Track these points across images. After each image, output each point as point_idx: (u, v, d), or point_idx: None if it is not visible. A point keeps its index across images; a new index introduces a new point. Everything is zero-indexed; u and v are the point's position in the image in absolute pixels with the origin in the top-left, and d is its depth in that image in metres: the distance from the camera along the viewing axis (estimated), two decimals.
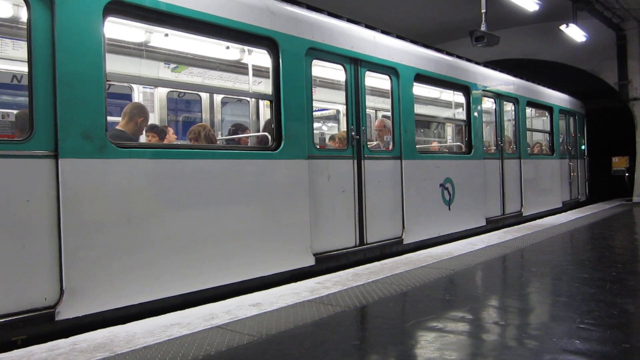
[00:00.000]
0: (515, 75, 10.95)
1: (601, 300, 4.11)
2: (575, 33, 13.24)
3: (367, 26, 6.90)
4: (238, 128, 6.93)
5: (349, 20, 6.62)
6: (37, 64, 3.70)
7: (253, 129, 7.44)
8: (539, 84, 12.18)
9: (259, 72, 6.83)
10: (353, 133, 6.41)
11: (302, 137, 5.65)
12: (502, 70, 10.51)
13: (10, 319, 3.47)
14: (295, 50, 5.62)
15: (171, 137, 5.73)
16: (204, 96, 8.02)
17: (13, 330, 3.53)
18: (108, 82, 4.14)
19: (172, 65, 6.99)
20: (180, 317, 3.85)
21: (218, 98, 8.03)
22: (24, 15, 3.69)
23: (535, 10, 11.11)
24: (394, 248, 7.01)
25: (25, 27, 3.71)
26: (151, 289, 4.22)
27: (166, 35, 5.79)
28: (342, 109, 9.22)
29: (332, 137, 7.63)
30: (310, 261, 5.67)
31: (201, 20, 4.73)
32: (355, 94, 6.48)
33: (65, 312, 3.70)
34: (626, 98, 15.12)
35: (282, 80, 5.46)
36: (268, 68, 5.53)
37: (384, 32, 7.16)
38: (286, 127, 5.45)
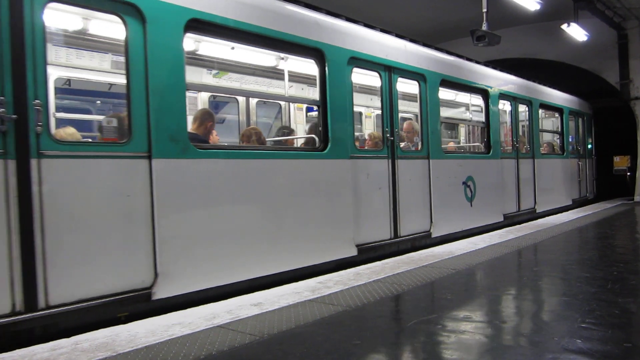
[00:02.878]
0: (528, 79, 11.39)
1: (603, 299, 4.11)
2: (576, 32, 13.22)
3: (397, 35, 7.42)
4: (285, 130, 7.53)
5: (382, 30, 7.13)
6: (134, 76, 4.22)
7: (279, 129, 8.05)
8: (550, 86, 12.61)
9: (294, 77, 7.64)
10: (388, 135, 6.91)
11: (346, 138, 6.19)
12: (516, 74, 10.69)
13: (117, 297, 4.02)
14: (339, 59, 6.15)
15: (214, 138, 5.93)
16: (241, 100, 8.41)
17: (119, 307, 4.09)
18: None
19: (214, 72, 7.45)
20: (182, 317, 3.86)
21: (253, 102, 8.48)
22: (122, 33, 4.24)
23: (536, 10, 11.09)
24: (423, 241, 7.52)
25: (124, 43, 4.22)
26: (225, 274, 4.79)
27: (231, 48, 6.26)
28: (364, 110, 9.96)
29: (357, 139, 8.07)
30: (353, 252, 6.21)
31: (260, 34, 5.29)
32: (389, 98, 7.01)
33: (159, 293, 4.26)
34: (627, 97, 15.09)
35: (328, 88, 5.99)
36: (301, 74, 6.33)
37: (412, 40, 7.67)
38: (332, 130, 5.98)
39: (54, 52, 5.19)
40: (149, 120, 4.26)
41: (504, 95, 10.07)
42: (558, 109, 13.18)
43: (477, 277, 5.33)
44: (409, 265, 5.69)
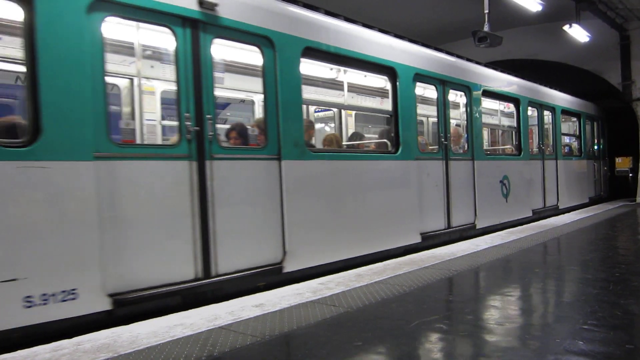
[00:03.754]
0: (553, 87, 12.52)
1: (604, 301, 4.10)
2: (578, 33, 13.21)
3: (448, 53, 8.64)
4: (357, 135, 8.87)
5: (436, 49, 8.28)
6: (269, 94, 5.33)
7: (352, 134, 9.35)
8: (570, 93, 13.67)
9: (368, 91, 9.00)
10: (443, 139, 8.02)
11: (412, 143, 7.30)
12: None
13: (258, 270, 5.10)
14: (407, 76, 7.26)
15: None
16: (311, 109, 9.51)
17: (259, 278, 5.13)
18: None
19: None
20: (184, 318, 3.87)
21: (312, 109, 9.45)
22: (259, 60, 5.38)
23: (538, 11, 11.10)
24: (469, 232, 8.57)
25: (261, 68, 5.34)
26: (326, 254, 5.88)
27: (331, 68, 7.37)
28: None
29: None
30: (418, 239, 7.33)
31: (351, 57, 6.47)
32: (443, 108, 8.10)
33: (287, 267, 5.36)
34: (629, 98, 15.06)
35: (399, 100, 7.08)
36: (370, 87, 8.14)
37: (459, 57, 8.86)
38: (402, 136, 7.06)
39: (218, 78, 6.03)
40: (279, 130, 5.35)
41: (532, 103, 11.18)
42: (576, 114, 14.20)
43: (479, 279, 5.33)
44: (411, 267, 5.69)
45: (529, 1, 10.56)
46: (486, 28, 9.43)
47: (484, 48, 9.44)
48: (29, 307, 3.59)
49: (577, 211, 12.53)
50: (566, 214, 11.71)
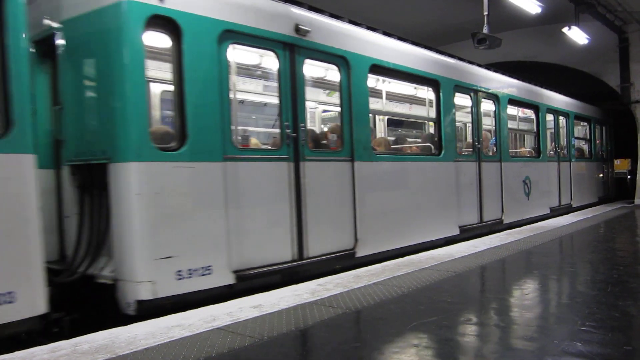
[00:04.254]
0: (567, 95, 13.48)
1: (603, 302, 4.11)
2: (577, 35, 13.23)
3: (479, 65, 9.70)
4: (400, 139, 9.88)
5: (469, 62, 9.29)
6: (344, 105, 6.32)
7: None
8: (581, 100, 14.61)
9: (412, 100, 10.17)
10: (477, 143, 9.08)
11: (453, 146, 8.40)
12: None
13: (336, 255, 6.05)
14: (448, 87, 8.28)
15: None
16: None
17: (337, 261, 6.04)
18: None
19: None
20: (182, 319, 3.86)
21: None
22: (337, 77, 6.43)
23: (537, 13, 11.11)
24: (497, 227, 9.52)
25: (339, 86, 6.39)
26: (385, 243, 6.86)
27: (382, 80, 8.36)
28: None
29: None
30: (456, 231, 8.33)
31: (406, 72, 7.50)
32: (477, 115, 9.23)
33: (359, 253, 6.33)
34: (628, 101, 15.08)
35: (442, 109, 8.08)
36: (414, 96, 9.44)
37: (487, 68, 9.96)
38: (445, 140, 8.11)
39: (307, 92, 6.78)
40: (352, 135, 6.31)
41: (549, 110, 12.27)
42: (587, 119, 15.16)
43: (477, 280, 5.33)
44: (409, 268, 5.69)
45: (528, 3, 10.57)
46: (485, 30, 9.43)
47: (483, 50, 9.45)
48: (179, 279, 4.51)
49: (577, 212, 12.62)
50: (564, 216, 11.74)
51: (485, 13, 9.55)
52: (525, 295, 4.66)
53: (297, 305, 4.19)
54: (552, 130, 12.86)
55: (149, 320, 3.88)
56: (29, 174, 3.74)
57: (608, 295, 4.32)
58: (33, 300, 3.73)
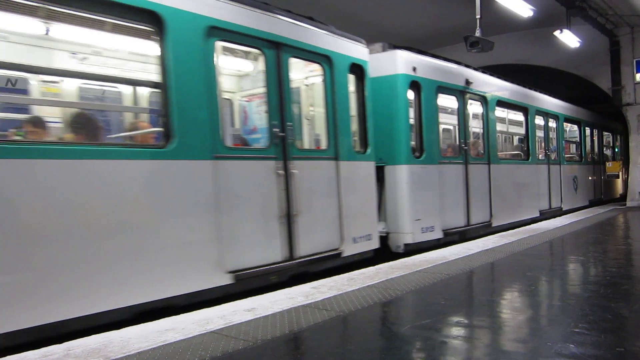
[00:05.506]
0: (559, 98, 14.22)
1: (595, 304, 4.12)
2: (569, 39, 13.32)
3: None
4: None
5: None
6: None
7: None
8: (573, 103, 15.35)
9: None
10: (538, 149, 12.20)
11: (534, 152, 11.77)
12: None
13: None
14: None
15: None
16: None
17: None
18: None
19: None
20: (175, 323, 3.84)
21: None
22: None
23: (529, 16, 11.18)
24: (558, 213, 12.82)
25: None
26: (507, 217, 10.41)
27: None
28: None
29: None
30: (538, 214, 11.84)
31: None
32: (532, 125, 11.87)
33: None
34: (619, 103, 15.21)
35: (530, 125, 11.72)
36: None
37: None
38: (531, 147, 11.65)
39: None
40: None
41: (567, 119, 14.29)
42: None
43: (470, 283, 5.34)
44: (403, 271, 5.70)
45: (520, 7, 10.64)
46: (478, 33, 9.47)
47: (475, 53, 9.49)
48: (423, 232, 7.81)
49: (568, 215, 12.67)
50: (556, 218, 11.81)
51: (478, 16, 9.59)
52: (518, 297, 4.67)
53: (291, 308, 4.18)
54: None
55: (142, 324, 3.85)
56: (372, 170, 7.12)
57: (601, 297, 4.34)
58: (376, 240, 7.03)
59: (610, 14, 13.78)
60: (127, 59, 5.76)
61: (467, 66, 9.27)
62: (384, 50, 7.79)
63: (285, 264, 5.53)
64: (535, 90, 12.75)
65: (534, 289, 4.92)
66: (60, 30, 4.82)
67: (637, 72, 14.73)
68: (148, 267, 4.29)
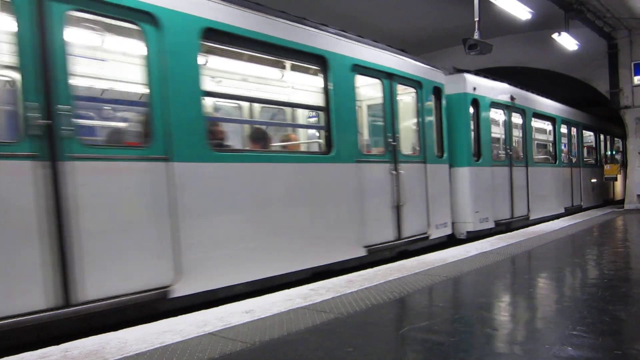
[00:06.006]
0: (556, 101, 14.67)
1: (593, 306, 4.13)
2: (567, 41, 13.34)
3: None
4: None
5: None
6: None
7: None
8: (572, 106, 16.01)
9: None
10: (563, 153, 14.01)
11: (559, 155, 13.42)
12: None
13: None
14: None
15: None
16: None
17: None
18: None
19: None
20: (173, 324, 3.83)
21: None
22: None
23: (527, 19, 11.19)
24: (579, 210, 14.60)
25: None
26: (541, 212, 12.23)
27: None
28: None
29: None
30: (563, 210, 13.53)
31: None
32: (559, 133, 13.67)
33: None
34: (617, 106, 15.23)
35: (557, 135, 13.54)
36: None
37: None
38: (558, 152, 13.40)
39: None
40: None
41: (585, 127, 15.76)
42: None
43: (469, 285, 5.34)
44: (401, 273, 5.70)
45: (518, 9, 10.66)
46: (476, 36, 9.50)
47: (474, 55, 9.51)
48: (481, 222, 9.38)
49: (565, 217, 12.69)
50: (556, 220, 11.83)
51: (476, 19, 9.61)
52: (516, 299, 4.67)
53: (289, 310, 4.18)
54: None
55: (140, 326, 3.85)
56: (447, 171, 8.92)
57: (598, 299, 4.34)
58: (450, 227, 8.74)
59: (608, 17, 13.82)
60: (306, 90, 7.73)
61: (511, 84, 11.00)
62: (450, 73, 9.46)
63: (396, 242, 7.41)
64: (560, 102, 14.08)
65: (531, 291, 4.92)
66: (289, 76, 7.27)
67: (635, 75, 14.75)
68: (319, 240, 6.16)
